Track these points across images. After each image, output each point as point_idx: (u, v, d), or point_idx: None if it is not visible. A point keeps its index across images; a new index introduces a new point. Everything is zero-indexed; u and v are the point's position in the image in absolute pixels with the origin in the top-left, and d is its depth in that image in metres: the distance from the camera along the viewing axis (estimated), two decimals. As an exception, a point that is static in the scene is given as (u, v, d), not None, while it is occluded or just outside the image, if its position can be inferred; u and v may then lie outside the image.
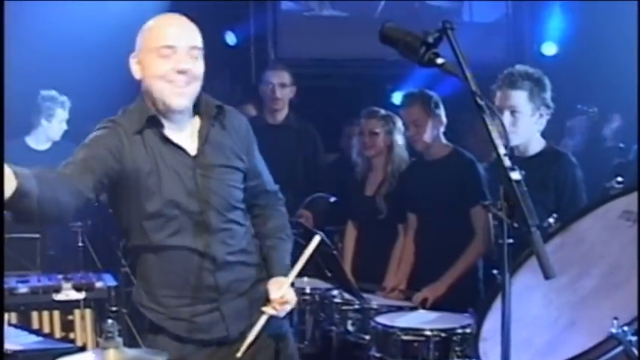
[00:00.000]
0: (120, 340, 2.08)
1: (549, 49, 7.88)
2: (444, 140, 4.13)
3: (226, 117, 2.56)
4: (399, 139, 4.45)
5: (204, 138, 2.49)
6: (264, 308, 2.52)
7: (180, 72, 2.39)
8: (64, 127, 5.21)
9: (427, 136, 4.07)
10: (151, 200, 2.42)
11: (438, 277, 3.89)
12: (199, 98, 2.51)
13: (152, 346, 2.49)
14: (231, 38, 7.65)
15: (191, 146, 2.48)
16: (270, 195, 2.73)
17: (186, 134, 2.49)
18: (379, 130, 4.45)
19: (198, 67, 2.44)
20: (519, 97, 3.21)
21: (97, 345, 3.58)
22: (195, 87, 2.45)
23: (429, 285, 3.87)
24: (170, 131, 2.47)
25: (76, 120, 5.26)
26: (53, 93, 5.18)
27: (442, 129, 4.11)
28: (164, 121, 2.46)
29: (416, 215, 4.21)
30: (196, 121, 2.52)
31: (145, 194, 2.42)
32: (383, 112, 4.55)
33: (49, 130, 5.17)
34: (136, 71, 2.47)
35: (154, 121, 2.44)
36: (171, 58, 2.39)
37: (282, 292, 2.52)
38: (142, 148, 2.42)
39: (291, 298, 2.55)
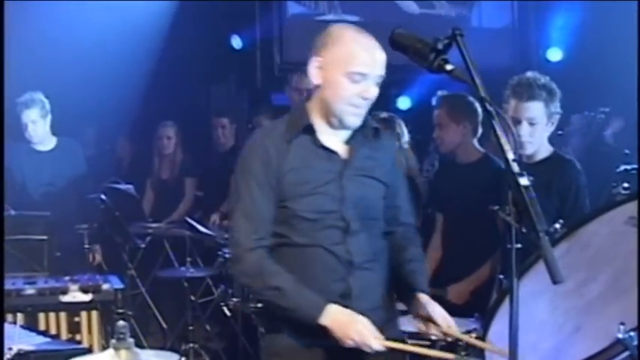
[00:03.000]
0: (132, 341, 2.09)
1: (555, 54, 7.89)
2: (476, 145, 4.14)
3: (380, 137, 2.61)
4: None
5: (355, 148, 2.52)
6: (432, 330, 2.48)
7: (365, 99, 2.45)
8: None
9: (456, 140, 4.07)
10: (296, 201, 2.45)
11: (460, 278, 3.92)
12: None
13: (271, 345, 2.53)
14: (237, 42, 7.57)
15: (342, 152, 2.52)
16: (405, 227, 2.69)
17: (337, 141, 2.53)
18: None
19: (377, 91, 2.47)
20: (537, 108, 3.24)
21: (104, 347, 3.59)
22: (369, 107, 2.50)
23: (453, 285, 3.90)
24: (323, 137, 2.51)
25: (75, 121, 5.26)
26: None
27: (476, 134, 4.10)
28: (320, 129, 2.51)
29: (443, 216, 4.23)
30: (348, 132, 2.54)
31: (292, 195, 2.45)
32: (383, 115, 4.52)
33: None
34: (315, 76, 2.49)
35: (309, 129, 2.50)
36: (360, 84, 2.42)
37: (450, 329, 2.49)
38: (293, 154, 2.47)
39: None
